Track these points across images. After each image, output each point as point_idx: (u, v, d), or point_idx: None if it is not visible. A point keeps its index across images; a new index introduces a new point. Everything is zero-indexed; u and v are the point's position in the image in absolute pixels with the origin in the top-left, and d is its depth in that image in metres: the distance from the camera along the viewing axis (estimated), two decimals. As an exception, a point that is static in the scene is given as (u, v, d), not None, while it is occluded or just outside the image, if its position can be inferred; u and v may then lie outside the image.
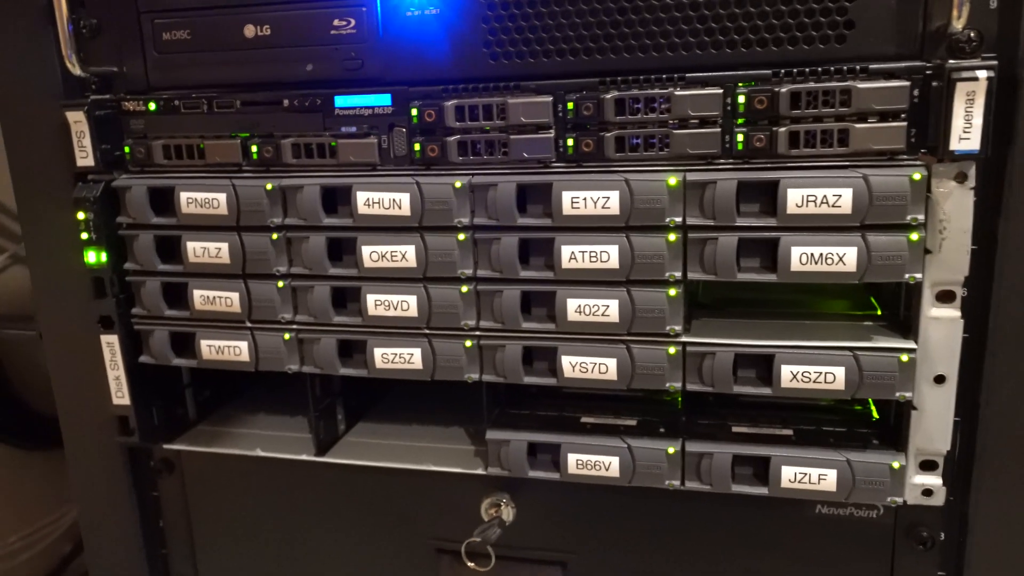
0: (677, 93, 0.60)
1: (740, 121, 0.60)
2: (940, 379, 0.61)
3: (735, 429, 0.68)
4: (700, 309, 0.71)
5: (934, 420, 0.61)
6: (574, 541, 0.74)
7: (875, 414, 0.71)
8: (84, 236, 0.72)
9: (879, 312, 0.70)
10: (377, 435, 0.81)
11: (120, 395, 0.76)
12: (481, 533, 0.70)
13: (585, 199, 0.62)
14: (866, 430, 0.67)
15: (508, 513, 0.73)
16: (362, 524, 0.79)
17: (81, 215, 0.72)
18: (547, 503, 0.73)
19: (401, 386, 0.88)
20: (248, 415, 0.86)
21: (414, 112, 0.65)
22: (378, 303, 0.68)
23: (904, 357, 0.60)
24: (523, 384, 0.67)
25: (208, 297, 0.72)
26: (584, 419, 0.72)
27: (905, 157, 0.58)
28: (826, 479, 0.63)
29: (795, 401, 0.71)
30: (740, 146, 0.60)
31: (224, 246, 0.70)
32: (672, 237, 0.61)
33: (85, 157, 0.72)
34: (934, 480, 0.63)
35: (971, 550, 0.63)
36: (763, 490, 0.64)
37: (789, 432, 0.67)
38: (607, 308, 0.64)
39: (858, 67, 0.57)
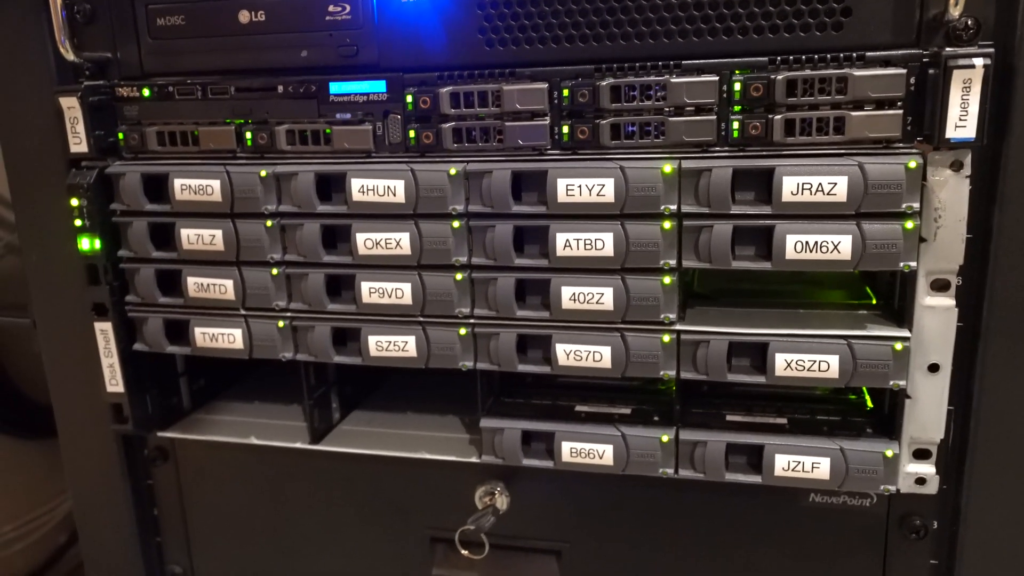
0: (673, 81, 0.60)
1: (736, 109, 0.60)
2: (934, 368, 0.61)
3: (729, 418, 0.68)
4: (696, 298, 0.71)
5: (928, 409, 0.61)
6: (569, 530, 0.74)
7: (869, 403, 0.71)
8: (78, 223, 0.72)
9: (874, 301, 0.70)
10: (372, 423, 0.81)
11: (114, 383, 0.76)
12: (475, 521, 0.70)
13: (580, 186, 0.62)
14: (860, 419, 0.67)
15: (502, 502, 0.73)
16: (357, 512, 0.79)
17: (75, 202, 0.72)
18: (542, 491, 0.73)
19: (397, 374, 0.88)
20: (243, 403, 0.86)
21: (409, 99, 0.65)
22: (372, 291, 0.68)
23: (898, 346, 0.60)
24: (518, 372, 0.67)
25: (202, 284, 0.72)
26: (578, 407, 0.72)
27: (901, 145, 0.58)
28: (819, 467, 0.63)
29: (789, 390, 0.71)
30: (736, 134, 0.60)
31: (218, 233, 0.70)
32: (667, 225, 0.61)
33: (79, 143, 0.71)
34: (927, 469, 0.63)
35: (964, 539, 0.64)
36: (756, 478, 0.64)
37: (783, 421, 0.67)
38: (601, 296, 0.63)
39: (854, 55, 0.57)
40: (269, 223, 0.69)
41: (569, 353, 0.65)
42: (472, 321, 0.67)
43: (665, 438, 0.66)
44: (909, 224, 0.57)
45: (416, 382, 0.86)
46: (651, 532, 0.72)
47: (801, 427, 0.66)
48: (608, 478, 0.68)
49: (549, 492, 0.74)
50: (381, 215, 0.66)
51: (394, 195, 0.65)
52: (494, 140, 0.64)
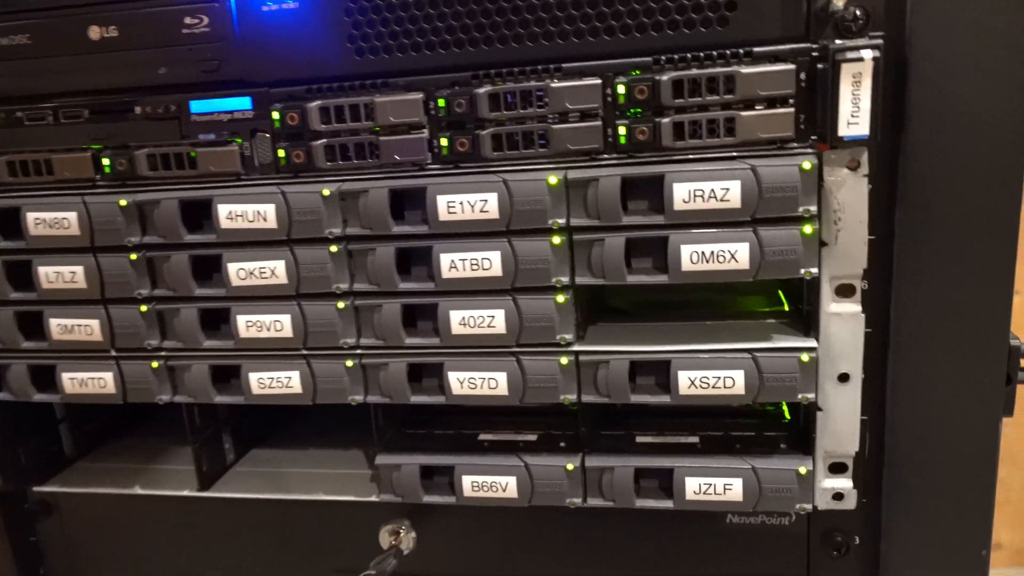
0: (554, 85, 0.56)
1: (631, 112, 0.56)
2: (844, 377, 0.57)
3: (639, 439, 0.64)
4: (612, 313, 0.67)
5: (840, 421, 0.58)
6: (484, 563, 0.70)
7: (787, 415, 0.67)
8: (-75, 265, 0.66)
9: (787, 308, 0.67)
10: (271, 463, 0.76)
11: (-20, 436, 0.70)
12: (376, 565, 0.65)
13: (462, 203, 0.57)
14: (775, 433, 0.64)
15: (408, 541, 0.68)
16: (258, 558, 0.73)
17: (-80, 242, 0.65)
18: (453, 525, 0.69)
19: (300, 407, 0.82)
20: (135, 447, 0.80)
21: (276, 115, 0.60)
22: (250, 324, 0.63)
23: (805, 357, 0.56)
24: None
25: (66, 326, 0.66)
26: (483, 436, 0.68)
27: (796, 145, 0.54)
28: (731, 489, 0.59)
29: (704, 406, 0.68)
30: (623, 140, 0.56)
31: (79, 269, 0.64)
32: (557, 240, 0.57)
33: (-78, 177, 0.65)
34: (844, 483, 0.60)
35: (886, 554, 0.61)
36: (668, 503, 0.61)
37: (696, 440, 0.64)
38: (493, 319, 0.59)
39: (742, 51, 0.54)
40: (134, 256, 0.64)
41: (463, 381, 0.61)
42: (359, 351, 0.62)
43: (570, 466, 0.62)
44: (807, 228, 0.54)
45: (322, 415, 0.80)
46: (569, 561, 0.68)
47: (714, 446, 0.63)
48: (521, 507, 0.64)
49: (461, 526, 0.69)
50: (253, 242, 0.61)
51: (265, 220, 0.60)
52: (370, 157, 0.59)
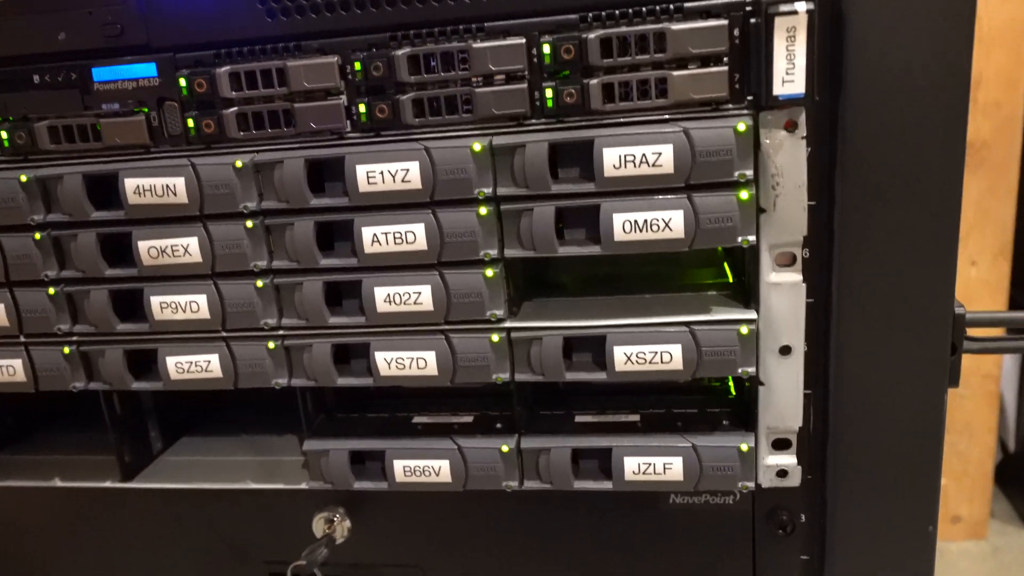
0: (476, 46, 0.52)
1: (558, 74, 0.52)
2: (786, 350, 0.55)
3: (579, 419, 0.62)
4: (549, 289, 0.65)
5: (783, 395, 0.56)
6: (424, 550, 0.67)
7: (733, 391, 0.65)
8: None
9: (731, 279, 0.64)
10: (200, 451, 0.72)
11: None
12: (307, 556, 0.62)
13: (383, 173, 0.54)
14: (719, 410, 0.62)
15: (343, 529, 0.65)
16: (189, 550, 0.70)
17: None
18: (388, 512, 0.66)
19: (234, 393, 0.79)
20: (59, 438, 0.76)
21: (183, 83, 0.56)
22: (164, 305, 0.59)
23: (744, 329, 0.54)
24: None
25: (-31, 311, 0.62)
26: (417, 419, 0.65)
27: (731, 107, 0.52)
28: (672, 468, 0.57)
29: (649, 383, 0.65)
30: (550, 103, 0.53)
31: (-21, 251, 0.60)
32: (483, 211, 0.54)
33: None
34: (788, 460, 0.58)
35: (831, 531, 0.59)
36: (607, 484, 0.58)
37: (636, 418, 0.61)
38: (419, 295, 0.56)
39: (672, 7, 0.51)
40: (38, 235, 0.60)
41: (390, 361, 0.58)
42: (281, 333, 0.59)
43: (506, 448, 0.59)
44: (744, 194, 0.51)
45: (257, 399, 0.77)
46: (511, 545, 0.65)
47: (655, 424, 0.60)
48: (457, 492, 0.61)
49: (399, 511, 0.66)
50: (164, 219, 0.58)
51: (175, 194, 0.56)
52: (286, 126, 0.56)
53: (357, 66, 0.54)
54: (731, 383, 0.66)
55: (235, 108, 0.56)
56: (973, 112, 1.03)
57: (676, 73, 0.51)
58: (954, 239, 0.51)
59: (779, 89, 0.49)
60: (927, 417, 0.55)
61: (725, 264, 0.68)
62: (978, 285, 1.08)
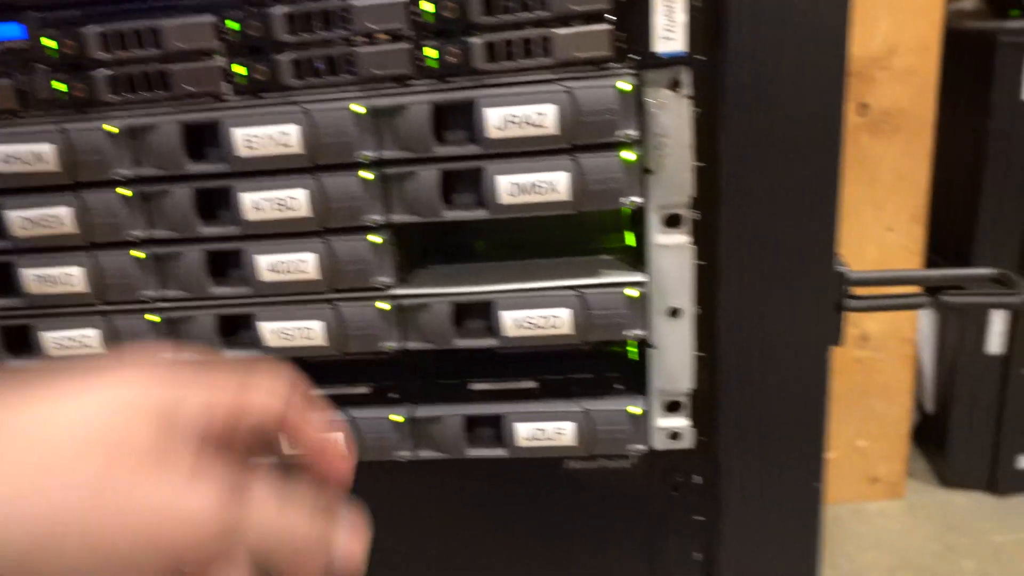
0: (355, 3, 0.50)
1: (441, 32, 0.51)
2: (675, 312, 0.55)
3: (475, 387, 0.61)
4: (451, 255, 0.63)
5: (673, 358, 0.56)
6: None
7: (633, 354, 0.65)
8: None
9: (633, 243, 0.64)
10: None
11: None
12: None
13: (261, 137, 0.52)
14: (616, 374, 0.61)
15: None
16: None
17: None
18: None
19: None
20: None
21: (51, 43, 0.53)
22: (37, 279, 0.57)
23: (632, 292, 0.53)
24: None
25: None
26: (315, 390, 0.63)
27: (615, 66, 0.51)
28: (563, 433, 0.56)
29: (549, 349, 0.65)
30: (432, 63, 0.51)
31: None
32: (367, 174, 0.53)
33: None
34: (680, 422, 0.58)
35: (725, 491, 0.59)
36: (501, 451, 0.58)
37: (533, 384, 0.61)
38: (304, 263, 0.55)
39: (552, -38, 0.49)
40: (-98, 206, 0.57)
41: (277, 332, 0.56)
42: (162, 305, 0.57)
43: (398, 418, 0.58)
44: (628, 154, 0.51)
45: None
46: (413, 514, 0.65)
47: (551, 390, 0.60)
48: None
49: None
50: (34, 187, 0.55)
51: (45, 163, 0.54)
52: (161, 88, 0.54)
53: (234, 25, 0.52)
54: (633, 348, 0.66)
55: (107, 70, 0.53)
56: (889, 79, 1.04)
57: (559, 31, 0.50)
58: (835, 198, 0.52)
59: (659, 47, 0.48)
60: (812, 376, 0.55)
61: (631, 227, 0.67)
62: (895, 250, 1.10)
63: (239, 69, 0.53)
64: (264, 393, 0.34)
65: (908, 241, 1.10)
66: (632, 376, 0.61)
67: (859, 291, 0.55)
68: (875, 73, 1.03)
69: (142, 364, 0.33)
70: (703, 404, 0.58)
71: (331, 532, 0.34)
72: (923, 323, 1.23)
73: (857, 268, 0.54)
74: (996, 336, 1.12)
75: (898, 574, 1.07)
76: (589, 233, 0.68)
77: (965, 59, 1.08)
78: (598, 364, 0.64)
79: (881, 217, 1.10)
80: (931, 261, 1.16)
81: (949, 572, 1.07)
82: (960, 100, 1.10)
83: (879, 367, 1.16)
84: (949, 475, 1.21)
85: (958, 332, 1.15)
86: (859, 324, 1.14)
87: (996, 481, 1.17)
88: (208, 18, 0.52)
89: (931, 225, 1.10)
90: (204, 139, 0.55)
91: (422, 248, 0.61)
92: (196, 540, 0.30)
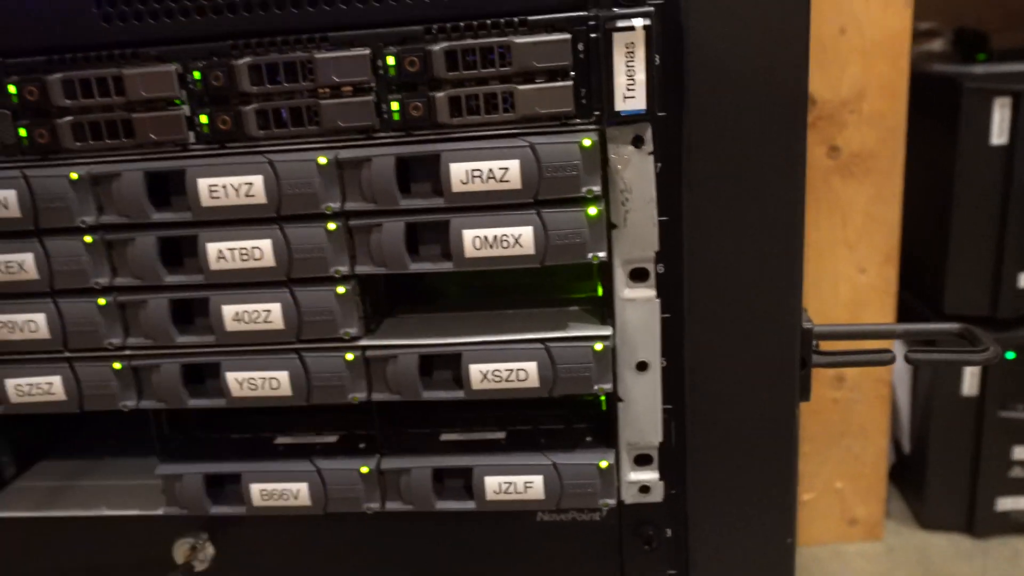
0: (319, 56, 0.51)
1: (404, 86, 0.51)
2: (643, 366, 0.55)
3: (444, 437, 0.61)
4: (419, 304, 0.63)
5: (641, 411, 0.56)
6: (290, 573, 0.65)
7: (604, 405, 0.65)
8: None
9: (600, 294, 0.64)
10: (57, 476, 0.69)
11: None
12: (162, 585, 0.60)
13: (226, 187, 0.52)
14: (585, 425, 0.61)
15: (205, 555, 0.63)
16: (47, 581, 0.67)
17: None
18: (252, 536, 0.63)
19: (95, 413, 0.76)
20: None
21: (12, 89, 0.53)
22: (0, 325, 0.56)
23: (598, 346, 0.53)
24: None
25: None
26: (280, 439, 0.63)
27: (578, 122, 0.51)
28: (532, 487, 0.56)
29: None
30: (396, 116, 0.51)
31: None
32: (332, 226, 0.53)
33: None
34: (650, 475, 0.57)
35: (694, 545, 0.58)
36: (470, 504, 0.57)
37: (502, 435, 0.60)
38: (269, 313, 0.54)
39: (516, 19, 0.50)
40: None
41: (242, 382, 0.56)
42: (127, 353, 0.57)
43: (365, 469, 0.57)
44: (592, 209, 0.51)
45: (123, 419, 0.74)
46: (383, 565, 0.64)
47: (519, 442, 0.59)
48: (319, 515, 0.60)
49: (262, 536, 0.64)
50: (-4, 234, 0.55)
51: (6, 208, 0.54)
52: (125, 136, 0.53)
53: (196, 75, 0.52)
54: (603, 397, 0.65)
55: (70, 117, 0.53)
56: (858, 123, 1.05)
57: (521, 87, 0.50)
58: (798, 250, 0.52)
59: (621, 105, 0.49)
60: (779, 432, 0.55)
61: (599, 277, 0.67)
62: (867, 291, 1.10)
63: (203, 119, 0.53)
64: None
65: (881, 282, 1.11)
66: (601, 427, 0.61)
67: (826, 345, 0.55)
68: (845, 116, 1.04)
69: None
70: (672, 457, 0.57)
71: None
72: (898, 364, 1.23)
73: (831, 308, 0.54)
74: (970, 378, 1.12)
75: (876, 617, 1.07)
76: (558, 281, 0.68)
77: (933, 102, 1.09)
78: (567, 414, 0.64)
79: (854, 258, 1.10)
80: (903, 300, 1.17)
81: (927, 615, 1.06)
82: (928, 142, 1.11)
83: (855, 408, 1.16)
84: (927, 516, 1.20)
85: (932, 374, 1.15)
86: (836, 364, 1.14)
87: (974, 523, 1.17)
88: (172, 67, 0.52)
89: (903, 265, 1.11)
90: (169, 187, 0.55)
91: (389, 296, 0.61)
92: None
